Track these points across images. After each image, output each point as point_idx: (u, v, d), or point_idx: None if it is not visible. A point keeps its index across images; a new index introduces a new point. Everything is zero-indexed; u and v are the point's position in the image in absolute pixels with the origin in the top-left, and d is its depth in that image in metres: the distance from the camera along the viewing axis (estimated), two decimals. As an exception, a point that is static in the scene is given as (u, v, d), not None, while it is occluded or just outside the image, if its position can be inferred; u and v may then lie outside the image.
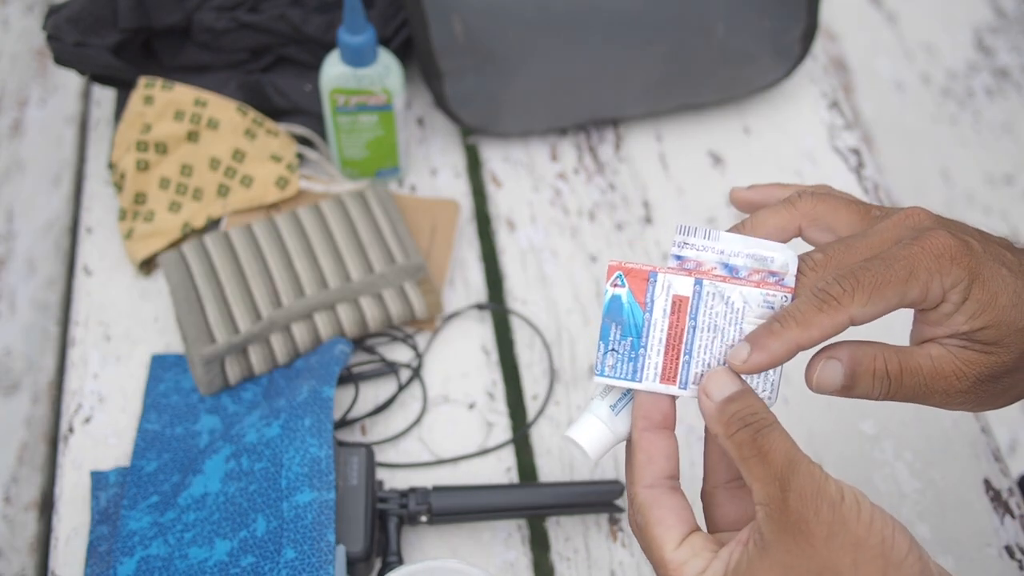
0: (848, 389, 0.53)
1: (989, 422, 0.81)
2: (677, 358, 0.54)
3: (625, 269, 0.54)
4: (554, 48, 0.88)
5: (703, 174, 0.95)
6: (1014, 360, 0.52)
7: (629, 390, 0.55)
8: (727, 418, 0.50)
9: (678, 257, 0.55)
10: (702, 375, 0.53)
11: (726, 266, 0.54)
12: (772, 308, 0.55)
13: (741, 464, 0.49)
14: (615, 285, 0.54)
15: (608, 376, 0.54)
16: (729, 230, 0.56)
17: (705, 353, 0.54)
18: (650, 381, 0.53)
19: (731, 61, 0.92)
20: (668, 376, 0.54)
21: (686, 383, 0.54)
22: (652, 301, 0.54)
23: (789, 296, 0.54)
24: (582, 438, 0.54)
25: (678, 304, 0.54)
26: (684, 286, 0.54)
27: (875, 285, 0.50)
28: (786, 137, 0.98)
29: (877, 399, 0.54)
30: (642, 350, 0.54)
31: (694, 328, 0.54)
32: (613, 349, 0.54)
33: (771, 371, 0.54)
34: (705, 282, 0.54)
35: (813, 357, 0.54)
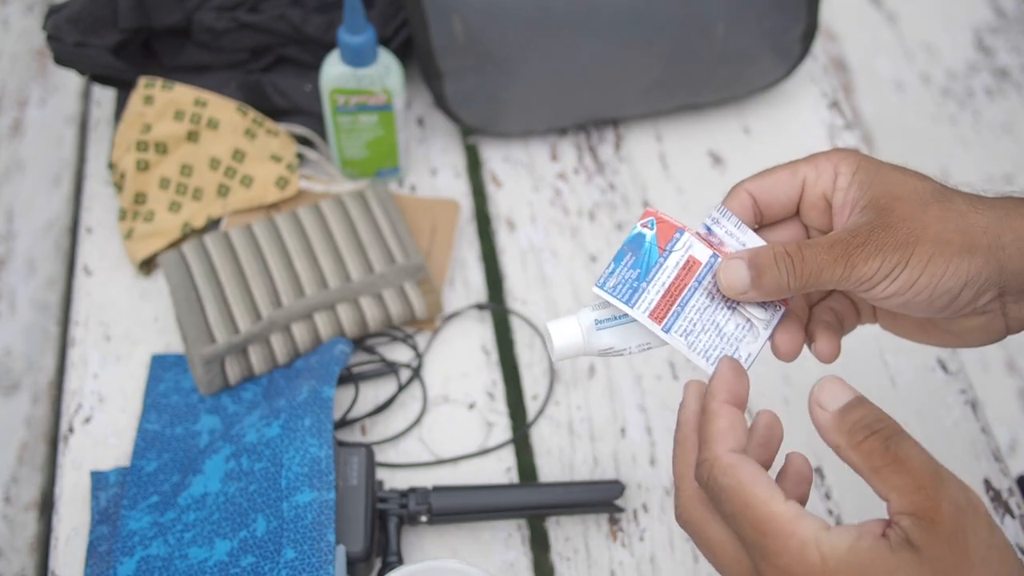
0: (757, 281, 0.56)
1: (989, 422, 0.81)
2: (670, 305, 0.58)
3: (659, 217, 0.59)
4: (554, 48, 0.88)
5: (703, 174, 0.95)
6: (891, 218, 0.56)
7: (620, 316, 0.58)
8: (849, 427, 0.49)
9: (708, 228, 0.60)
10: (687, 330, 0.57)
11: None
12: (764, 309, 0.59)
13: (871, 474, 0.47)
14: (644, 226, 0.59)
15: (606, 291, 0.57)
16: None
17: (696, 314, 0.58)
18: (640, 311, 0.57)
19: (731, 61, 0.92)
20: (657, 315, 0.57)
21: (669, 328, 0.57)
22: (670, 251, 0.58)
23: (782, 307, 0.59)
24: (557, 334, 0.58)
25: (691, 263, 0.58)
26: (702, 253, 0.59)
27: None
28: (786, 137, 0.98)
29: (791, 290, 0.56)
30: (644, 284, 0.58)
31: (695, 289, 0.58)
32: (620, 272, 0.58)
33: (754, 348, 0.59)
34: (721, 258, 0.59)
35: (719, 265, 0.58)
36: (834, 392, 0.51)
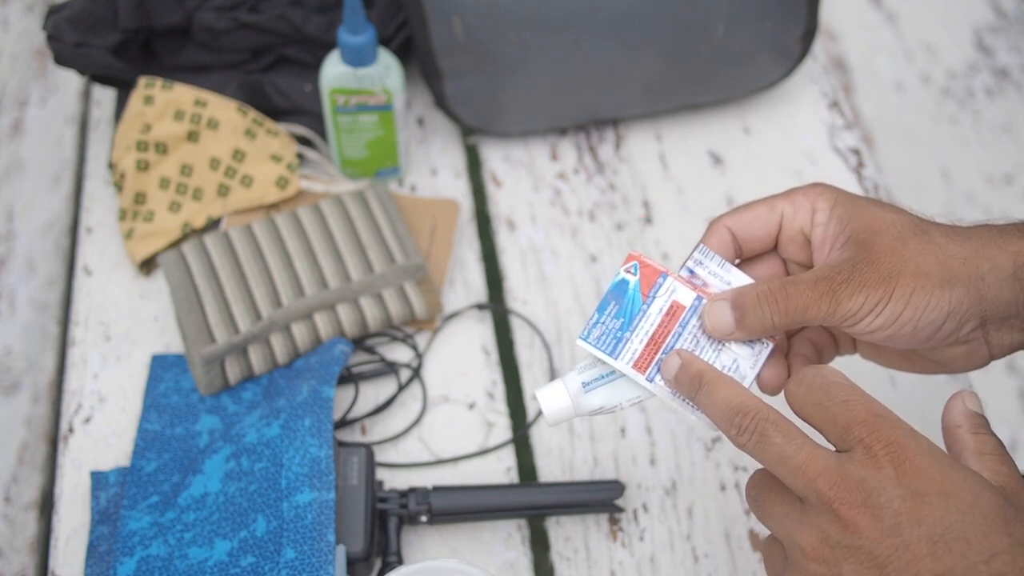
0: (741, 322, 0.58)
1: (990, 423, 0.81)
2: (655, 353, 0.58)
3: (642, 262, 0.59)
4: (554, 48, 0.88)
5: (703, 174, 0.95)
6: (872, 253, 0.57)
7: (606, 375, 0.58)
8: (976, 422, 0.54)
9: (691, 271, 0.60)
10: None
11: None
12: (751, 347, 0.60)
13: (975, 455, 0.52)
14: (628, 271, 0.59)
15: (590, 344, 0.58)
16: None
17: None
18: (624, 362, 0.57)
19: (731, 61, 0.92)
20: (641, 365, 0.58)
21: (653, 378, 0.58)
22: (654, 297, 0.58)
23: (769, 343, 0.60)
24: (547, 403, 0.58)
25: (675, 308, 0.59)
26: (686, 296, 0.59)
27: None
28: (786, 137, 0.97)
29: (775, 328, 0.57)
30: (628, 334, 0.58)
31: (679, 335, 0.58)
32: (603, 323, 0.58)
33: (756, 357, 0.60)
34: (705, 301, 0.59)
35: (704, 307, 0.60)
36: (976, 403, 0.55)
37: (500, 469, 0.78)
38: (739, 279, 0.60)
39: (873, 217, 0.59)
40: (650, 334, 0.58)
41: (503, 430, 0.80)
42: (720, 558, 0.74)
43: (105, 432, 0.79)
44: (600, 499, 0.74)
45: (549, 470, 0.79)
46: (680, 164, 0.96)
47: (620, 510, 0.74)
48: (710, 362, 0.58)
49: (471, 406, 0.81)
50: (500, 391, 0.82)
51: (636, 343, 0.58)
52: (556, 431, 0.80)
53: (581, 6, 0.86)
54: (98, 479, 0.75)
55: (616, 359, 0.57)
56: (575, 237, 0.91)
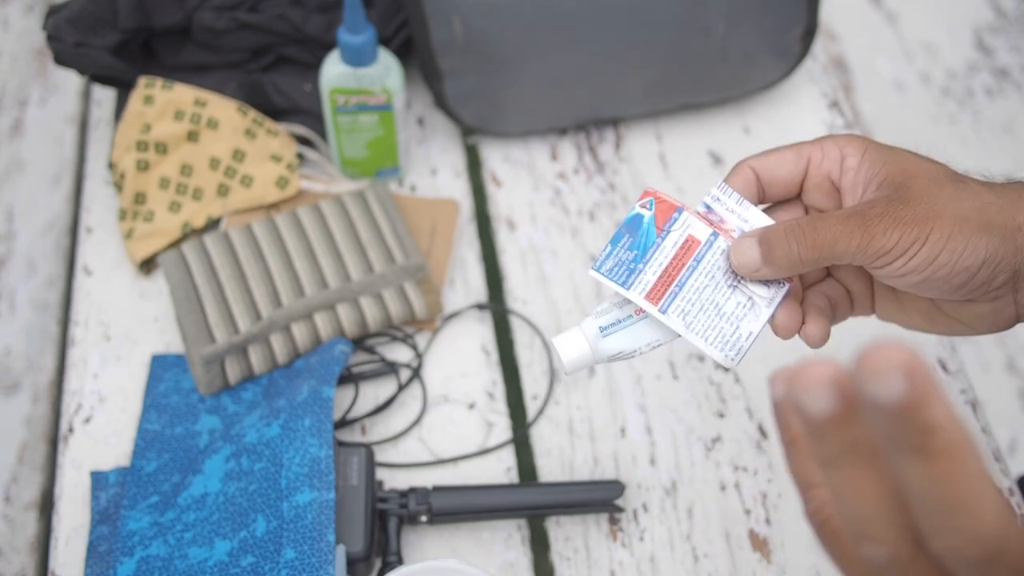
0: (768, 256, 0.56)
1: (989, 422, 0.81)
2: (667, 285, 0.57)
3: (657, 197, 0.58)
4: (554, 48, 0.88)
5: (703, 174, 0.95)
6: (909, 194, 0.56)
7: (623, 319, 0.58)
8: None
9: (707, 206, 0.59)
10: (684, 311, 0.57)
11: (743, 234, 0.58)
12: (765, 284, 0.58)
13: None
14: (643, 206, 0.58)
15: (603, 274, 0.57)
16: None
17: (694, 294, 0.57)
18: (636, 293, 0.56)
19: (731, 61, 0.92)
20: (653, 296, 0.57)
21: (666, 309, 0.56)
22: (668, 231, 0.57)
23: (785, 284, 0.58)
24: (565, 349, 0.58)
25: (689, 243, 0.58)
26: (701, 231, 0.58)
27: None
28: (786, 137, 0.97)
29: (804, 264, 0.56)
30: (641, 265, 0.57)
31: (693, 269, 0.57)
32: (616, 255, 0.57)
33: (745, 339, 0.58)
34: (721, 236, 0.58)
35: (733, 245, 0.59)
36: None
37: (500, 469, 0.78)
38: (757, 217, 0.59)
39: (908, 162, 0.57)
40: (664, 266, 0.57)
41: (503, 430, 0.80)
42: (720, 558, 0.74)
43: (105, 432, 0.79)
44: (600, 499, 0.74)
45: (549, 470, 0.79)
46: (680, 164, 0.96)
47: (620, 510, 0.74)
48: (725, 298, 0.57)
49: (471, 406, 0.81)
50: (500, 391, 0.82)
51: (649, 275, 0.57)
52: (556, 431, 0.80)
53: (581, 6, 0.86)
54: (98, 479, 0.75)
55: (628, 290, 0.56)
56: (575, 237, 0.91)
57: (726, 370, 0.83)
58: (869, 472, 0.36)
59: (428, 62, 0.90)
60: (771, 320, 0.59)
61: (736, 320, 0.57)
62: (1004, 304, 0.57)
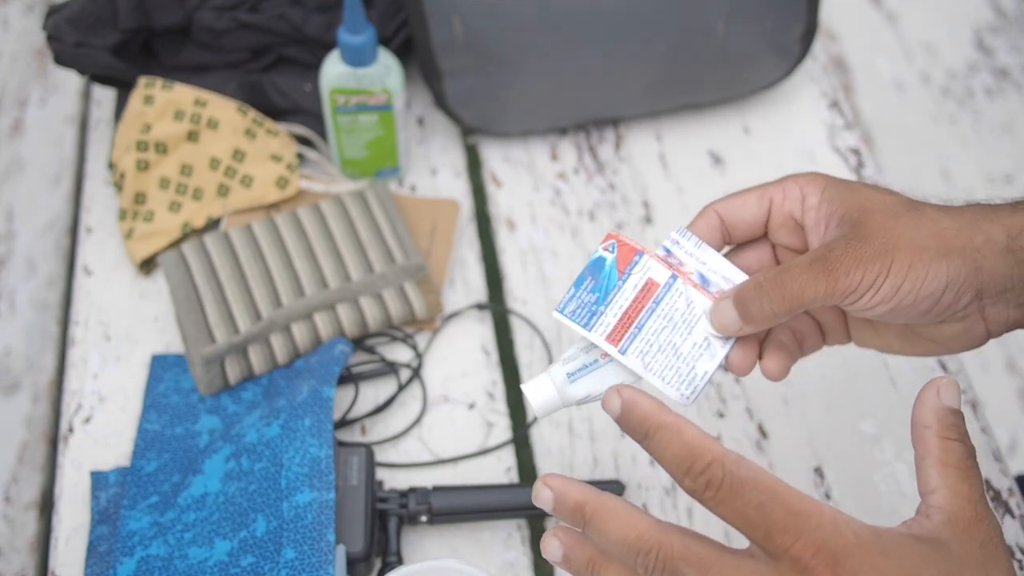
0: (746, 316, 0.58)
1: (989, 422, 0.81)
2: (627, 327, 0.59)
3: (620, 240, 0.61)
4: (554, 48, 0.88)
5: (703, 174, 0.95)
6: (867, 230, 0.57)
7: (589, 364, 0.60)
8: (948, 422, 0.51)
9: (667, 250, 0.61)
10: (643, 351, 0.59)
11: (701, 276, 0.61)
12: None
13: (937, 464, 0.50)
14: (606, 249, 0.61)
15: (566, 316, 0.59)
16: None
17: (652, 335, 0.59)
18: (598, 335, 0.59)
19: (731, 61, 0.92)
20: (614, 338, 0.59)
21: (625, 350, 0.59)
22: (629, 274, 0.60)
23: None
24: (533, 395, 0.59)
25: (649, 286, 0.60)
26: (661, 274, 0.60)
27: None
28: (786, 137, 0.98)
29: (779, 316, 0.57)
30: (603, 307, 0.59)
31: (652, 311, 0.59)
32: (579, 297, 0.60)
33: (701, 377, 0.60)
34: (679, 280, 0.60)
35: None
36: (953, 393, 0.52)
37: (500, 469, 0.78)
38: (715, 260, 0.61)
39: (864, 197, 0.59)
40: (624, 308, 0.59)
41: (503, 430, 0.80)
42: (720, 558, 0.74)
43: (105, 432, 0.79)
44: (600, 499, 0.74)
45: (549, 470, 0.79)
46: (680, 164, 0.96)
47: (620, 510, 0.74)
48: (682, 339, 0.59)
49: (471, 406, 0.81)
50: (500, 391, 0.82)
51: (610, 317, 0.59)
52: (556, 431, 0.80)
53: (581, 6, 0.86)
54: (98, 479, 0.75)
55: (590, 331, 0.59)
56: (575, 237, 0.91)
57: (725, 370, 0.83)
58: None
59: (428, 62, 0.90)
60: (725, 359, 0.60)
61: (692, 360, 0.59)
62: (973, 322, 0.59)
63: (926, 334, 0.61)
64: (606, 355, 0.60)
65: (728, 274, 0.61)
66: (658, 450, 0.49)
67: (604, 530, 0.49)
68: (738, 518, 0.47)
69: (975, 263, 0.57)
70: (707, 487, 0.47)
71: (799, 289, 0.57)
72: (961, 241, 0.57)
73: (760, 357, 0.62)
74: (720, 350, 0.60)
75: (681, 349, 0.59)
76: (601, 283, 0.60)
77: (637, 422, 0.50)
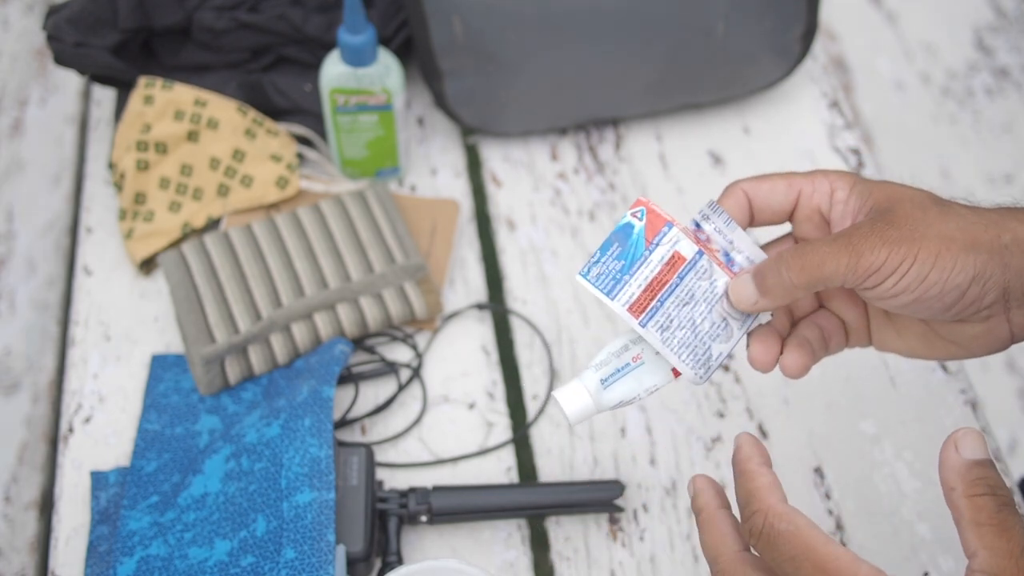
0: (762, 287, 0.58)
1: (989, 423, 0.81)
2: (650, 300, 0.58)
3: (649, 208, 0.59)
4: (554, 48, 0.88)
5: (703, 174, 0.95)
6: (898, 213, 0.57)
7: (622, 368, 0.59)
8: (973, 478, 0.50)
9: (697, 224, 0.60)
10: (663, 326, 0.58)
11: (727, 255, 0.60)
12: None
13: (971, 526, 0.49)
14: (634, 216, 0.59)
15: (590, 281, 0.58)
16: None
17: (674, 310, 0.58)
18: (620, 304, 0.58)
19: (731, 61, 0.92)
20: (636, 309, 0.58)
21: (646, 323, 0.58)
22: (656, 245, 0.58)
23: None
24: (567, 403, 0.58)
25: (675, 259, 0.59)
26: (688, 249, 0.59)
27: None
28: (786, 137, 0.98)
29: (796, 288, 0.57)
30: (627, 276, 0.58)
31: (676, 286, 0.58)
32: (604, 263, 0.58)
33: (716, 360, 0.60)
34: (705, 257, 0.59)
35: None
36: (973, 444, 0.51)
37: (500, 469, 0.78)
38: (742, 240, 0.60)
39: (892, 190, 0.59)
40: (649, 280, 0.58)
41: (503, 430, 0.80)
42: (720, 558, 0.74)
43: (105, 432, 0.79)
44: (600, 499, 0.74)
45: (549, 470, 0.79)
46: (680, 164, 0.96)
47: (620, 510, 0.74)
48: (702, 317, 0.59)
49: (471, 406, 0.81)
50: (500, 391, 0.82)
51: (634, 287, 0.58)
52: (556, 431, 0.80)
53: (581, 6, 0.86)
54: (98, 479, 0.75)
55: (612, 300, 0.58)
56: (575, 237, 0.91)
57: (727, 369, 0.83)
58: None
59: (428, 62, 0.90)
60: (748, 352, 0.61)
61: (709, 340, 0.59)
62: (997, 323, 0.58)
63: (948, 335, 0.60)
64: (638, 358, 0.59)
65: (753, 256, 0.60)
66: (735, 489, 0.55)
67: (701, 535, 0.55)
68: (776, 567, 0.51)
69: (1002, 260, 0.56)
70: (750, 534, 0.52)
71: (819, 260, 0.56)
72: (989, 237, 0.56)
73: (781, 352, 0.61)
74: (737, 332, 0.59)
75: (700, 328, 0.58)
76: (628, 251, 0.58)
77: (737, 460, 0.55)
